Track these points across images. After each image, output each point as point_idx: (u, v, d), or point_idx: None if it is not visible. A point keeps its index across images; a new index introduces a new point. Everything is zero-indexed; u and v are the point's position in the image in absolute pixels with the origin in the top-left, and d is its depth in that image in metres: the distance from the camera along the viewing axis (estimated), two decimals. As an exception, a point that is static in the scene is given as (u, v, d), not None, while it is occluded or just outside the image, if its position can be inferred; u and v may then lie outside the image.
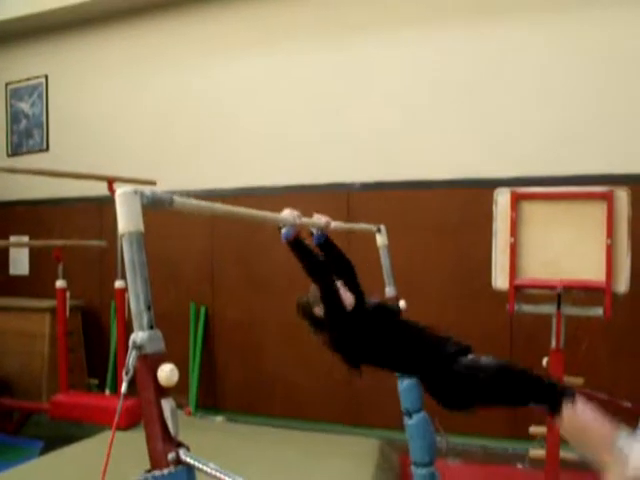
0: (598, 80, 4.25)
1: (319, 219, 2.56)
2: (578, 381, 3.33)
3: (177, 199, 1.48)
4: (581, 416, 1.91)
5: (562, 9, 4.36)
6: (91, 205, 5.62)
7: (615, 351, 4.06)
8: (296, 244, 2.37)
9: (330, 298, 2.36)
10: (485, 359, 2.12)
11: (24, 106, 6.24)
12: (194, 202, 1.61)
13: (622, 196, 3.18)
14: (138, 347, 1.33)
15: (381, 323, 2.35)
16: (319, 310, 2.41)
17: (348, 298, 2.40)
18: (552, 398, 1.97)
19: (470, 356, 2.16)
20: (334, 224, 2.62)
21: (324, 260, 2.48)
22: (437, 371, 2.18)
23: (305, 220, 2.39)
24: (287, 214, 2.32)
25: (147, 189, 1.40)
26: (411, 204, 4.67)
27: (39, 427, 4.93)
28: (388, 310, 2.49)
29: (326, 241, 2.61)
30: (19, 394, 5.22)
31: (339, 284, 2.41)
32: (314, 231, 2.60)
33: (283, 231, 2.35)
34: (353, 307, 2.39)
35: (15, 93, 6.29)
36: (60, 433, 4.69)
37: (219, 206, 1.76)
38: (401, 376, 3.25)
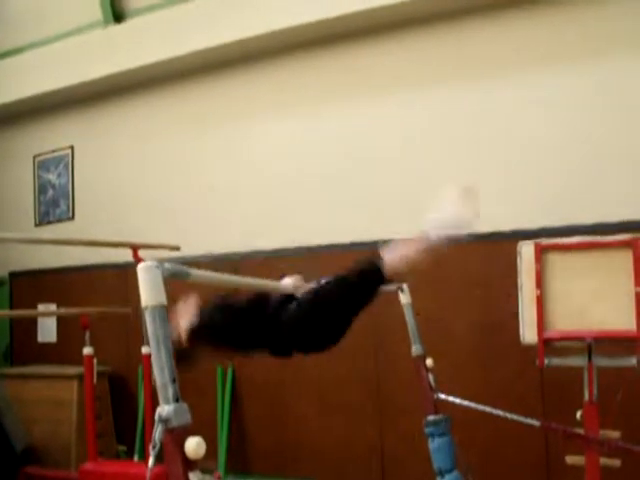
0: (618, 127, 4.26)
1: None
2: (615, 434, 3.23)
3: (193, 272, 1.55)
4: (396, 264, 2.19)
5: (578, 60, 4.40)
6: (116, 271, 5.68)
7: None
8: None
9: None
10: (300, 298, 2.28)
11: (51, 177, 6.39)
12: (208, 274, 1.74)
13: (647, 243, 3.14)
14: (164, 421, 1.33)
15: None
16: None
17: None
18: (373, 281, 2.18)
19: (293, 302, 2.29)
20: None
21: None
22: (272, 331, 2.30)
23: (306, 285, 2.45)
24: (288, 283, 2.37)
25: (166, 262, 1.43)
26: (434, 259, 4.64)
27: (68, 497, 4.89)
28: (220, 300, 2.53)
29: None
30: (48, 462, 5.19)
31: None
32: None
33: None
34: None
35: (42, 165, 6.46)
36: (89, 503, 4.64)
37: (231, 278, 1.93)
38: (432, 435, 3.20)
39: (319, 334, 2.29)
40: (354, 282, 2.20)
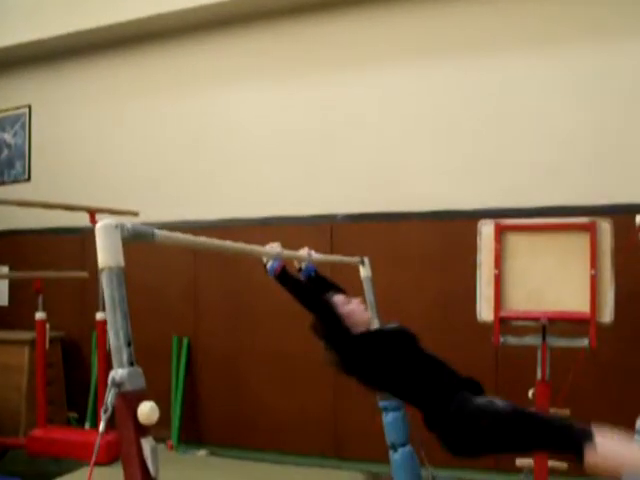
0: (579, 112, 4.31)
1: (301, 251, 2.58)
2: (564, 412, 3.30)
3: (159, 232, 1.46)
4: (607, 458, 1.80)
5: (547, 44, 4.42)
6: (73, 236, 5.56)
7: (600, 381, 4.05)
8: (283, 277, 2.36)
9: (330, 323, 2.28)
10: (498, 403, 2.01)
11: (6, 136, 6.20)
12: (177, 235, 1.60)
13: (605, 227, 3.20)
14: (117, 385, 1.30)
15: (397, 349, 2.25)
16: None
17: (364, 314, 2.35)
18: (570, 444, 1.86)
19: (480, 399, 2.05)
20: (316, 255, 2.63)
21: (313, 288, 2.43)
22: (441, 412, 2.07)
23: (287, 252, 2.39)
24: (269, 248, 2.32)
25: (128, 222, 1.38)
26: (394, 236, 4.67)
27: (16, 463, 4.81)
28: (406, 335, 2.34)
29: (316, 274, 2.61)
30: (-4, 429, 5.11)
31: (356, 301, 2.36)
32: (302, 265, 2.61)
33: (268, 266, 2.35)
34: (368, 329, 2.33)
35: (-3, 123, 6.27)
36: (38, 469, 4.59)
37: (203, 240, 1.75)
38: (386, 409, 3.22)
39: (479, 441, 2.02)
40: (547, 434, 1.90)
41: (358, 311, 2.36)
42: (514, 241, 3.35)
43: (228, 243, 2.00)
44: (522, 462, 3.37)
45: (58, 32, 5.51)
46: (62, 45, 5.72)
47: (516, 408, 1.99)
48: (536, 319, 3.24)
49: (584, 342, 3.20)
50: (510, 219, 3.45)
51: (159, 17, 5.18)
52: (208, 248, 1.82)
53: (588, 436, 1.84)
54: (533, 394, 3.29)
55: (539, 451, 1.96)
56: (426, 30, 4.72)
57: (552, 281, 3.27)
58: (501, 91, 4.51)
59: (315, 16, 5.03)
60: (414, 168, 4.71)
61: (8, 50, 5.82)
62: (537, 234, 3.33)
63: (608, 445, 1.82)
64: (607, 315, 3.18)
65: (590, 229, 3.19)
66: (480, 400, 2.05)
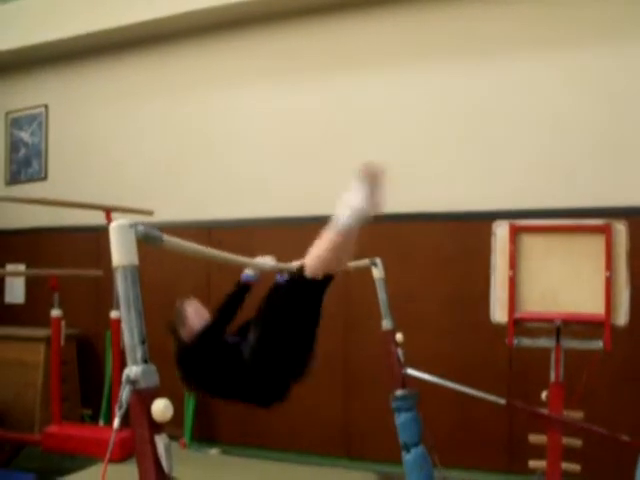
0: (595, 114, 4.28)
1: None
2: (578, 415, 3.29)
3: (167, 238, 1.51)
4: (313, 265, 2.33)
5: (557, 46, 4.40)
6: (89, 234, 5.60)
7: (615, 383, 4.03)
8: (242, 289, 2.81)
9: (212, 330, 2.68)
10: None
11: (24, 135, 6.26)
12: (182, 243, 1.70)
13: (620, 229, 3.17)
14: (132, 382, 1.31)
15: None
16: (183, 331, 2.72)
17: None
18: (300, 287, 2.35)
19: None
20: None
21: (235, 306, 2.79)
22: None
23: (280, 265, 2.63)
24: (260, 260, 2.64)
25: (141, 224, 1.39)
26: (409, 236, 4.66)
27: (31, 459, 4.86)
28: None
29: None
30: (11, 425, 5.14)
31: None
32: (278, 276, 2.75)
33: (245, 272, 2.74)
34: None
35: (15, 122, 6.31)
36: (52, 465, 4.63)
37: (204, 249, 1.94)
38: (398, 410, 3.22)
39: (285, 357, 2.48)
40: (286, 292, 2.40)
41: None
42: (529, 242, 3.33)
43: (228, 255, 2.17)
44: (535, 464, 3.36)
45: (75, 33, 5.55)
46: (79, 45, 5.77)
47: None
48: (550, 321, 3.22)
49: (599, 344, 3.17)
50: (525, 220, 3.44)
51: (177, 17, 5.20)
52: (210, 257, 1.96)
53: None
54: (547, 396, 3.27)
55: (302, 308, 2.52)
56: (446, 31, 4.71)
57: (567, 283, 3.24)
58: (516, 93, 4.49)
59: (327, 18, 5.04)
60: (429, 169, 4.70)
61: (25, 50, 5.87)
62: (552, 235, 3.31)
63: (310, 253, 2.35)
64: (622, 317, 3.15)
65: (605, 231, 3.17)
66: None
